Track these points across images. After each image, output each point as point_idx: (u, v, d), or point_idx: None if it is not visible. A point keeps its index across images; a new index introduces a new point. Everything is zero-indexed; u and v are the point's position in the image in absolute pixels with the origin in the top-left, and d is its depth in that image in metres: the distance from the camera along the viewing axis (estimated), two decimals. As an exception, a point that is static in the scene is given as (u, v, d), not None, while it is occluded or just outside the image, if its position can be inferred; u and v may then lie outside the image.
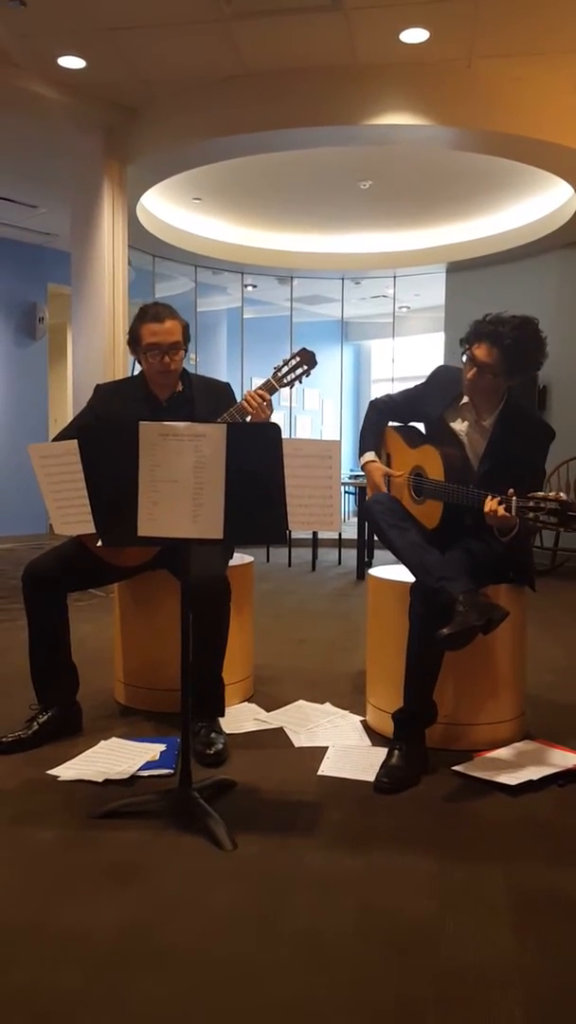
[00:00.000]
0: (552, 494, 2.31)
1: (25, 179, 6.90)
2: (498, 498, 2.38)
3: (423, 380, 2.94)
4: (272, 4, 4.51)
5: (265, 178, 6.83)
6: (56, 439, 2.84)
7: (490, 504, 2.40)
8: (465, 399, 2.74)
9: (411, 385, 2.99)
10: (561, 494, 2.31)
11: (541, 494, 2.32)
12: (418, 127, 5.35)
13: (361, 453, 2.96)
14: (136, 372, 3.09)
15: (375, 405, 3.01)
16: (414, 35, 4.86)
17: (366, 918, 1.74)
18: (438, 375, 2.89)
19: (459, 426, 2.76)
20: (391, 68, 5.25)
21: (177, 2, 4.54)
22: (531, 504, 2.31)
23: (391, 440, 2.99)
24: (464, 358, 2.64)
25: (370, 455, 2.93)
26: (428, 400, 2.85)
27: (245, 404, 2.81)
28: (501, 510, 2.37)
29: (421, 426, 2.93)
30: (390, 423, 3.01)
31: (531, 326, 2.55)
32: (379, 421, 2.98)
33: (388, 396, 3.04)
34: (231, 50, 5.08)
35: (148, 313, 2.80)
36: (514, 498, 2.34)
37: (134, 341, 2.84)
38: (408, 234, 8.39)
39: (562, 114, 5.54)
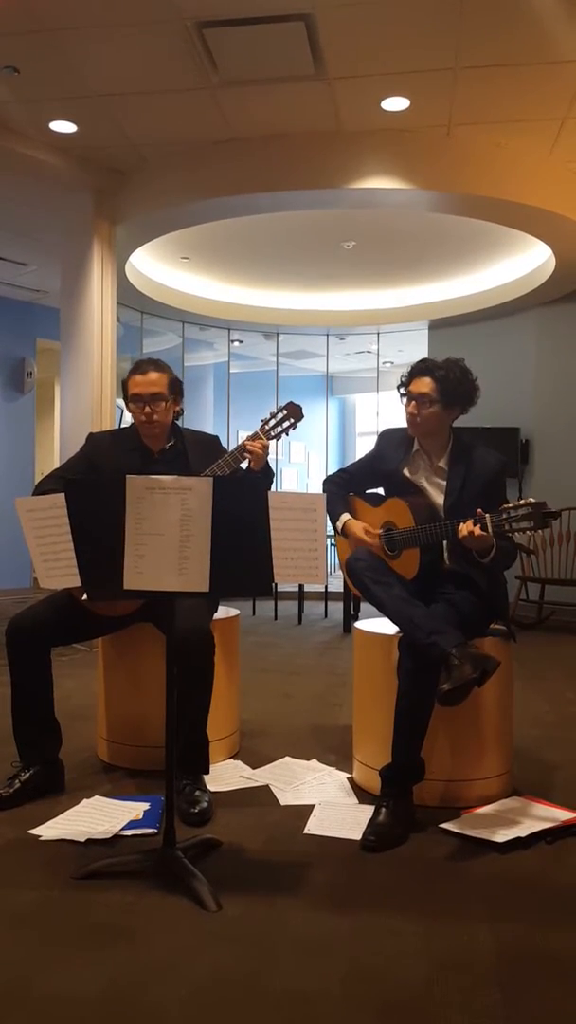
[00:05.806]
0: (521, 501, 2.42)
1: (16, 238, 7.02)
2: (471, 520, 2.49)
3: (372, 448, 3.04)
4: (258, 73, 4.67)
5: (251, 238, 6.98)
6: (42, 482, 2.86)
7: (465, 527, 2.50)
8: (416, 447, 2.85)
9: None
10: (530, 499, 2.40)
11: (511, 504, 2.45)
12: (400, 190, 5.50)
13: (334, 520, 2.98)
14: (125, 423, 3.14)
15: (332, 480, 3.07)
16: (395, 103, 5.04)
17: (353, 980, 1.71)
18: (385, 436, 2.99)
19: (416, 475, 2.85)
20: (373, 134, 5.42)
21: (166, 70, 4.69)
22: (504, 516, 2.43)
23: (355, 505, 3.02)
24: (404, 402, 2.80)
25: (345, 516, 2.95)
26: (383, 461, 2.95)
27: (250, 448, 2.85)
28: (477, 530, 2.47)
29: (380, 491, 3.00)
30: (349, 494, 3.05)
31: (458, 362, 2.77)
32: (340, 492, 3.02)
33: (342, 470, 3.11)
34: (218, 116, 5.24)
35: (136, 366, 2.92)
36: (487, 515, 2.46)
37: (124, 393, 2.95)
38: (391, 292, 8.57)
39: (538, 178, 5.73)
